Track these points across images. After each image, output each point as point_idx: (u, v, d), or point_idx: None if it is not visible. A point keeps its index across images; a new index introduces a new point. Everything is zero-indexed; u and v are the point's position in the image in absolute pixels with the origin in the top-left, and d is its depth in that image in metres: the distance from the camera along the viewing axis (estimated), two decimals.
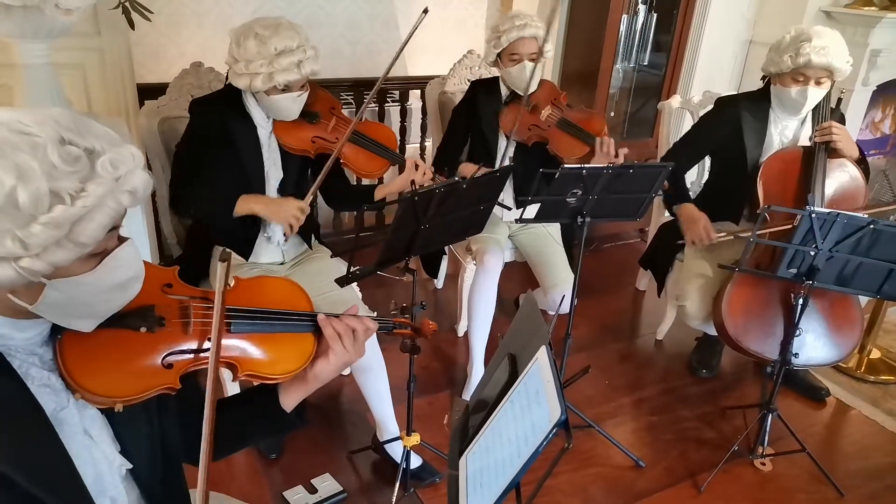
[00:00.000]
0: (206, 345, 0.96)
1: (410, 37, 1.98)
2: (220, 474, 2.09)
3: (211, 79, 2.28)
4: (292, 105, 1.92)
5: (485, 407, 1.10)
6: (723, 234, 2.39)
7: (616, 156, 2.27)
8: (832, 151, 2.30)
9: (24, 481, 0.79)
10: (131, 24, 2.18)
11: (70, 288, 0.80)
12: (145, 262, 0.93)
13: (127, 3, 2.10)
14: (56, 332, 0.87)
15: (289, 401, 1.12)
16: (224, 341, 0.99)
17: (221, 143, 1.92)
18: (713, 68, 3.91)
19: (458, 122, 2.62)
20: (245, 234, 2.05)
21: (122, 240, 0.86)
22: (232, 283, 1.06)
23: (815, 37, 2.19)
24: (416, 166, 2.07)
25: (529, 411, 0.92)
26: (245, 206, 1.94)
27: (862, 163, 2.36)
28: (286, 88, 1.87)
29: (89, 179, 0.75)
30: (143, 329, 0.91)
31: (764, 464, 2.27)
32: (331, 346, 1.08)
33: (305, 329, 1.09)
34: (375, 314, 1.16)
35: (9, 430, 0.80)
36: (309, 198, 1.98)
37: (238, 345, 1.02)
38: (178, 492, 1.07)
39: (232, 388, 2.12)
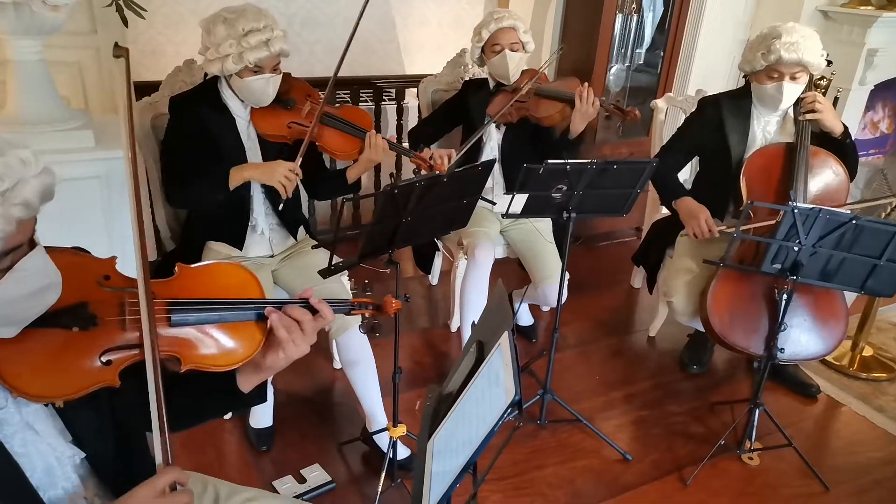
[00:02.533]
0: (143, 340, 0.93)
1: (356, 28, 2.02)
2: (210, 465, 2.12)
3: (202, 75, 2.31)
4: (266, 86, 1.96)
5: (454, 391, 1.12)
6: (723, 226, 2.38)
7: (594, 104, 2.31)
8: (818, 129, 2.31)
9: None
10: (125, 22, 2.21)
11: None
12: (82, 253, 0.93)
13: (120, 1, 2.14)
14: None
15: (245, 384, 1.11)
16: (165, 333, 0.97)
17: (202, 136, 1.97)
18: (709, 68, 3.92)
19: (446, 111, 2.68)
20: (234, 225, 2.09)
21: (33, 246, 0.84)
22: (176, 271, 1.04)
23: (785, 33, 2.20)
24: (371, 139, 2.09)
25: (489, 393, 0.94)
26: (239, 175, 1.97)
27: (847, 141, 2.36)
28: (258, 69, 1.91)
29: None
30: (75, 329, 0.89)
31: (751, 458, 2.29)
32: (279, 339, 1.05)
33: (252, 318, 1.05)
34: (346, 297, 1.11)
35: None
36: (299, 160, 2.01)
37: (180, 337, 0.99)
38: (144, 472, 1.08)
39: None
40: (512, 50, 2.45)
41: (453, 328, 2.95)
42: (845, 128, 2.37)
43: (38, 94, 1.85)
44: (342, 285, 2.20)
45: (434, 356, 2.81)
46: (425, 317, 3.10)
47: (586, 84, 2.39)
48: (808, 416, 2.59)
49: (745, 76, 2.46)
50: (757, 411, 2.25)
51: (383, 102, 3.64)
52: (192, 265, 1.07)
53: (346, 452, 2.23)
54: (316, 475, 2.09)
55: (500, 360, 0.96)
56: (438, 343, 2.90)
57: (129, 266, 1.00)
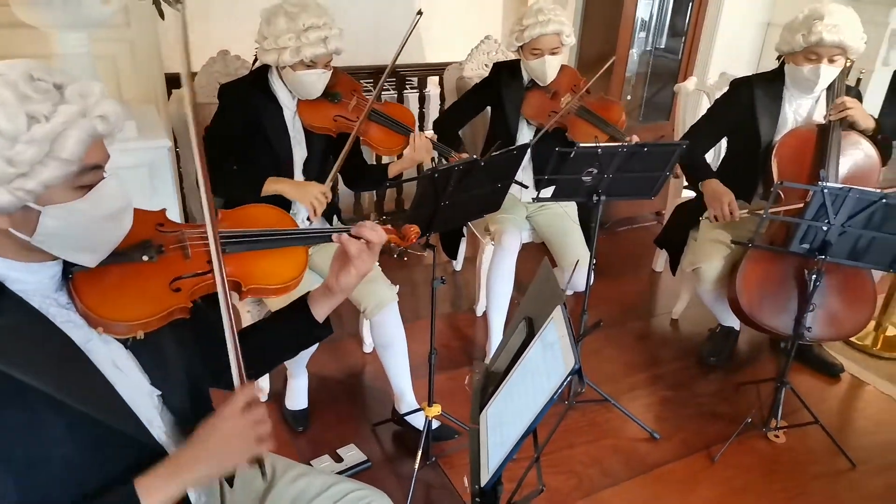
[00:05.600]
0: (207, 267, 1.03)
1: (406, 40, 2.09)
2: None
3: (238, 66, 2.36)
4: (316, 81, 2.01)
5: (503, 366, 1.17)
6: (745, 210, 2.39)
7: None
8: (848, 126, 2.32)
9: (69, 401, 0.87)
10: (161, 15, 2.25)
11: (64, 215, 0.87)
12: (137, 208, 1.01)
13: None
14: (67, 277, 0.95)
15: (320, 312, 1.22)
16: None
17: (250, 124, 2.01)
18: (730, 51, 3.91)
19: (475, 98, 2.67)
20: None
21: None
22: (219, 216, 1.15)
23: (828, 15, 2.21)
24: (417, 139, 2.15)
25: (545, 364, 0.99)
26: (271, 187, 2.03)
27: (880, 135, 2.37)
28: (311, 64, 1.96)
29: (61, 103, 0.84)
30: (145, 258, 0.99)
31: (777, 436, 2.32)
32: (353, 260, 1.16)
33: (296, 243, 1.18)
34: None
35: (46, 358, 0.88)
36: (329, 183, 2.07)
37: (236, 263, 1.10)
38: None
39: (245, 320, 2.22)
40: (552, 54, 2.44)
41: (479, 312, 3.00)
42: (877, 123, 2.37)
43: None
44: (376, 268, 2.26)
45: (460, 340, 2.86)
46: (450, 301, 3.15)
47: (624, 122, 2.46)
48: (833, 395, 2.62)
49: (779, 57, 2.46)
50: (784, 390, 2.28)
51: (405, 91, 3.67)
52: (232, 209, 1.20)
53: (380, 433, 2.29)
54: (352, 455, 2.15)
55: (556, 331, 1.00)
56: (464, 327, 2.95)
57: None
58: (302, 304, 1.23)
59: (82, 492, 0.92)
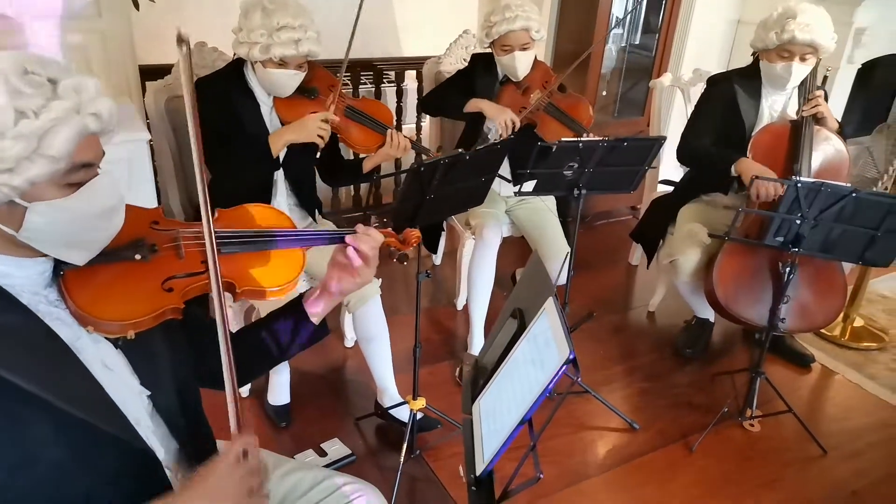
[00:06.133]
0: (201, 267, 1.01)
1: (355, 27, 2.06)
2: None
3: (215, 58, 2.32)
4: (287, 81, 1.98)
5: (494, 358, 1.18)
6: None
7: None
8: (818, 121, 2.38)
9: (55, 401, 0.85)
10: (136, 5, 2.22)
11: (50, 212, 0.84)
12: (130, 205, 0.99)
13: None
14: (58, 274, 0.92)
15: (316, 313, 1.20)
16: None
17: (227, 118, 1.98)
18: (702, 48, 3.98)
19: (458, 83, 2.65)
20: None
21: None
22: (216, 215, 1.12)
23: (800, 13, 2.27)
24: (394, 137, 2.14)
25: (539, 354, 1.00)
26: (278, 142, 2.00)
27: (841, 135, 2.45)
28: (282, 63, 1.93)
29: (52, 99, 0.81)
30: (137, 257, 0.97)
31: (752, 425, 2.38)
32: (360, 264, 1.15)
33: (293, 245, 1.15)
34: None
35: (32, 357, 0.86)
36: (331, 107, 2.05)
37: (231, 264, 1.08)
38: (199, 425, 1.13)
39: (236, 324, 2.19)
40: (522, 50, 2.45)
41: (459, 306, 3.01)
42: (839, 124, 2.45)
43: None
44: None
45: (441, 333, 2.87)
46: (430, 296, 3.16)
47: (592, 120, 2.52)
48: (804, 384, 2.69)
49: (753, 54, 2.52)
50: (759, 380, 2.34)
51: (383, 84, 3.66)
52: (229, 208, 1.16)
53: (363, 427, 2.29)
54: (336, 448, 2.15)
55: (548, 322, 1.01)
56: (444, 320, 2.96)
57: None
58: (297, 305, 1.21)
59: (69, 493, 0.90)
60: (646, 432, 2.35)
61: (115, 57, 2.58)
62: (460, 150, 1.67)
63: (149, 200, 2.10)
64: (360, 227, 1.19)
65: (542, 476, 0.92)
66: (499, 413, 1.03)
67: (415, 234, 1.30)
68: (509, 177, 2.42)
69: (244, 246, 1.10)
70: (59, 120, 0.81)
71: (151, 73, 2.64)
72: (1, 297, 0.86)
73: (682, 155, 2.63)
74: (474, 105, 2.48)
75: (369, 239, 1.17)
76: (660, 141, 2.09)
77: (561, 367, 0.91)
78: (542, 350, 1.00)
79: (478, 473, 0.98)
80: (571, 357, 0.91)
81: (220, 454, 0.95)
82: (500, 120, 2.23)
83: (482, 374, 1.21)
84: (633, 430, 2.35)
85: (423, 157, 2.12)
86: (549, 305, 1.04)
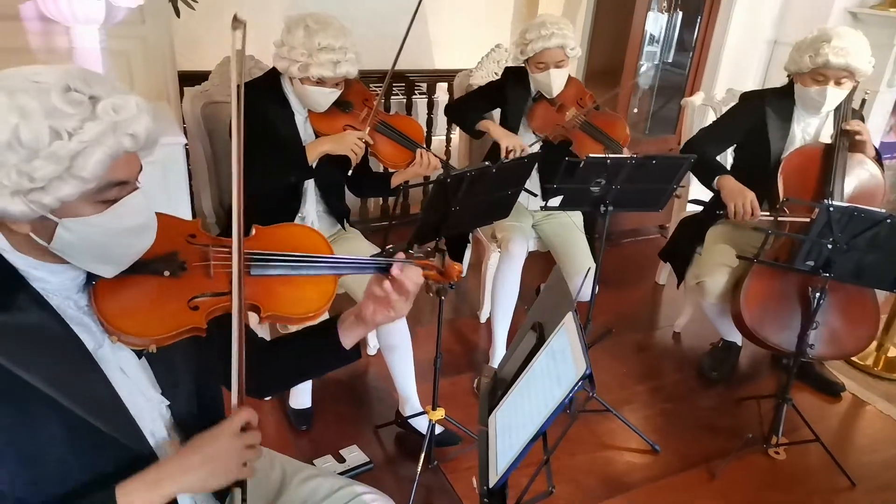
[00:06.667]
0: (228, 287, 1.00)
1: (411, 26, 2.10)
2: None
3: (251, 66, 2.37)
4: (322, 98, 2.03)
5: (513, 371, 1.18)
6: (766, 213, 2.32)
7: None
8: (853, 145, 2.34)
9: (71, 406, 0.87)
10: (177, 12, 2.28)
11: (80, 228, 0.86)
12: (169, 216, 1.01)
13: None
14: (91, 281, 0.94)
15: (348, 340, 1.19)
16: (244, 284, 1.03)
17: (263, 127, 2.02)
18: (737, 68, 3.94)
19: (487, 95, 2.67)
20: (284, 215, 2.15)
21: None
22: (253, 233, 1.12)
23: (835, 37, 2.23)
24: (423, 156, 2.17)
25: (556, 368, 1.00)
26: (315, 151, 2.05)
27: (878, 164, 2.40)
28: (319, 82, 1.97)
29: (88, 120, 0.82)
30: (166, 273, 0.97)
31: (778, 453, 2.33)
32: (395, 299, 1.11)
33: (328, 271, 1.11)
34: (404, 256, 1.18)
35: (52, 359, 0.88)
36: (366, 128, 2.09)
37: (259, 286, 1.05)
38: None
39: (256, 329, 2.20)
40: (557, 67, 2.45)
41: (482, 319, 3.01)
42: (877, 151, 2.41)
43: None
44: None
45: (463, 345, 2.87)
46: (454, 307, 3.16)
47: (628, 139, 2.50)
48: (833, 413, 2.63)
49: (789, 76, 2.49)
50: (785, 406, 2.29)
51: (414, 96, 3.70)
52: (268, 226, 1.14)
53: (382, 435, 2.29)
54: (354, 455, 2.16)
55: (566, 337, 1.01)
56: (467, 333, 2.96)
57: None
58: (331, 327, 1.20)
59: (70, 490, 0.92)
60: (667, 455, 2.31)
61: (156, 62, 2.66)
62: (487, 162, 1.68)
63: (183, 203, 2.14)
64: (399, 263, 1.13)
65: (553, 490, 0.92)
66: (514, 426, 1.03)
67: (457, 268, 1.26)
68: (536, 191, 2.42)
69: (275, 269, 1.07)
70: (92, 142, 0.82)
71: (189, 78, 2.71)
72: (32, 299, 0.89)
73: (683, 151, 2.62)
74: (484, 125, 2.52)
75: (413, 273, 1.13)
76: (689, 160, 2.08)
77: (577, 383, 0.91)
78: (560, 364, 1.00)
79: (491, 486, 0.98)
80: (588, 372, 0.91)
81: (222, 424, 0.97)
82: (505, 144, 2.19)
83: (500, 386, 1.21)
84: (654, 452, 2.31)
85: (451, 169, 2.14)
86: (569, 320, 1.04)
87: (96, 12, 1.78)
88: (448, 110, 2.78)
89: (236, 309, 0.98)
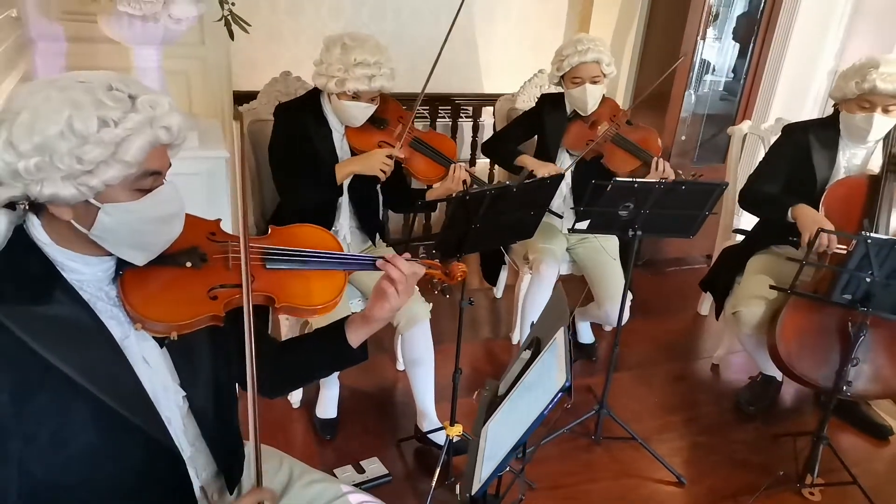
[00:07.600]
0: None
1: (440, 54, 2.12)
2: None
3: (297, 87, 2.50)
4: (358, 113, 2.11)
5: (510, 383, 1.20)
6: (843, 247, 2.14)
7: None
8: None
9: (99, 393, 0.95)
10: (231, 35, 2.42)
11: (120, 213, 0.94)
12: (193, 215, 1.09)
13: (228, 16, 2.35)
14: (118, 274, 1.02)
15: (355, 338, 1.26)
16: (260, 276, 1.13)
17: (302, 143, 2.12)
18: (793, 97, 3.85)
19: (524, 123, 2.73)
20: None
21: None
22: (270, 231, 1.23)
23: (884, 63, 2.17)
24: (455, 171, 2.22)
25: (542, 382, 1.02)
26: (344, 171, 2.14)
27: None
28: (356, 96, 2.06)
29: (130, 112, 0.92)
30: (188, 264, 1.06)
31: (812, 493, 2.23)
32: (389, 291, 1.20)
33: (336, 267, 1.21)
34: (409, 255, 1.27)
35: (83, 348, 0.96)
36: (398, 145, 2.17)
37: (273, 279, 1.14)
38: (230, 428, 1.22)
39: (283, 327, 2.28)
40: (593, 83, 2.49)
41: (514, 340, 3.01)
42: None
43: None
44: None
45: (492, 364, 2.88)
46: (488, 327, 3.18)
47: (660, 151, 2.47)
48: (878, 457, 2.49)
49: (835, 105, 2.43)
50: (822, 446, 2.19)
51: (460, 119, 3.77)
52: (283, 226, 1.25)
53: (404, 448, 2.32)
54: (374, 467, 2.19)
55: (554, 352, 1.03)
56: (498, 353, 2.97)
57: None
58: (339, 327, 1.28)
59: (97, 478, 0.99)
60: (694, 487, 2.25)
61: (213, 81, 2.82)
62: (507, 182, 1.72)
63: (224, 213, 2.26)
64: (388, 255, 1.24)
65: (523, 498, 0.93)
66: (501, 437, 1.05)
67: (460, 268, 1.33)
68: (561, 213, 2.43)
69: (288, 262, 1.17)
70: (134, 130, 0.92)
71: (244, 98, 2.85)
72: (66, 291, 0.97)
73: (744, 199, 2.57)
74: (521, 161, 2.57)
75: (393, 268, 1.21)
76: (721, 187, 2.05)
77: (556, 395, 0.93)
78: (547, 378, 1.01)
79: (472, 493, 1.00)
80: (567, 385, 0.92)
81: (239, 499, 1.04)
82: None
83: (499, 399, 1.23)
84: (679, 484, 2.25)
85: (475, 186, 2.19)
86: (559, 335, 1.06)
87: (154, 33, 1.92)
88: (485, 149, 2.82)
89: (246, 298, 1.05)
